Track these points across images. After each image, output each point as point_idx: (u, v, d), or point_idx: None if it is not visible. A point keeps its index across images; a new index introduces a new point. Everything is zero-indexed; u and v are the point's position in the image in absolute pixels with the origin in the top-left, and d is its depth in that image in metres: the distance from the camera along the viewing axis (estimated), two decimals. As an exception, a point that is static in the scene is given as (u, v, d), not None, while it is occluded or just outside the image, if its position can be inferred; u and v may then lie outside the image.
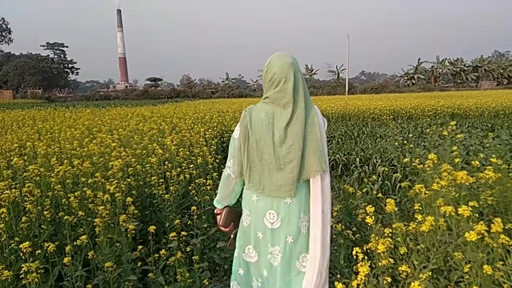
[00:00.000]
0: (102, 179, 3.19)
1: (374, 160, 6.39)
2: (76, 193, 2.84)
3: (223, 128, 7.51)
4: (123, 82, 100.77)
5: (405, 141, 8.26)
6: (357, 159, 6.53)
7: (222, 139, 6.90)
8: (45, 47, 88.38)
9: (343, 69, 73.08)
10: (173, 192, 3.49)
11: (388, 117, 14.29)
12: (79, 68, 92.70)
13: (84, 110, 13.18)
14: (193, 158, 4.34)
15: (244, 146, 1.89)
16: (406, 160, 4.59)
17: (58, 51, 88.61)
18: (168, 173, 3.78)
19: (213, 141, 5.51)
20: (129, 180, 3.46)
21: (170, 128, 5.77)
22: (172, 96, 56.01)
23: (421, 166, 3.74)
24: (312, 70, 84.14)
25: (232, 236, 2.17)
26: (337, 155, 6.91)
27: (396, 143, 7.29)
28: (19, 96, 62.03)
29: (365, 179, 5.71)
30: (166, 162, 4.00)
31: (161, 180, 3.64)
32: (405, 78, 72.52)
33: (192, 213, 3.20)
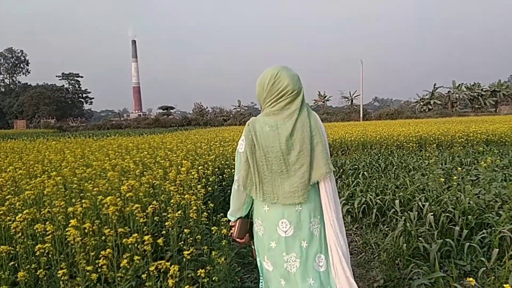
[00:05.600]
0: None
1: (419, 203, 4.88)
2: None
3: (224, 161, 6.01)
4: (136, 111, 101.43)
5: (448, 176, 6.78)
6: (396, 201, 5.01)
7: (222, 176, 5.43)
8: (60, 78, 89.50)
9: (357, 95, 72.05)
10: None
11: (414, 145, 12.82)
12: (93, 98, 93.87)
13: (78, 139, 11.96)
14: (166, 214, 2.89)
15: (252, 159, 1.90)
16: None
17: (73, 81, 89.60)
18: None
19: (201, 183, 4.07)
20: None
21: (140, 166, 4.29)
22: (183, 124, 55.19)
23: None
24: (325, 97, 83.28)
25: (252, 246, 2.19)
26: (369, 196, 5.41)
27: (442, 179, 5.75)
28: (33, 126, 62.26)
29: (412, 231, 4.24)
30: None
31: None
32: (421, 103, 70.85)
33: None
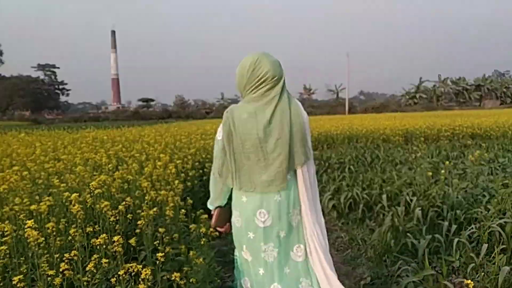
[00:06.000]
0: None
1: (407, 198, 4.77)
2: None
3: (205, 155, 5.80)
4: (115, 103, 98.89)
5: (436, 170, 6.71)
6: (383, 196, 4.89)
7: (202, 170, 5.22)
8: (35, 69, 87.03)
9: (343, 89, 72.18)
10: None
11: (400, 138, 12.80)
12: (70, 90, 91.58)
13: (52, 132, 11.58)
14: (141, 211, 2.69)
15: (229, 147, 1.86)
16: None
17: (49, 73, 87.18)
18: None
19: (180, 177, 3.88)
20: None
21: (114, 160, 4.03)
22: (164, 117, 54.17)
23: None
24: (310, 90, 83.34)
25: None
26: (355, 190, 5.28)
27: (430, 173, 5.66)
28: (6, 118, 60.05)
29: (400, 226, 4.12)
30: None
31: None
32: (407, 97, 71.40)
33: None
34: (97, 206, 2.39)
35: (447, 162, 6.52)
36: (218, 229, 2.17)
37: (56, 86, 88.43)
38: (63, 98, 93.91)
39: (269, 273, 1.97)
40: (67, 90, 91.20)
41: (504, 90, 69.75)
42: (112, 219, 2.36)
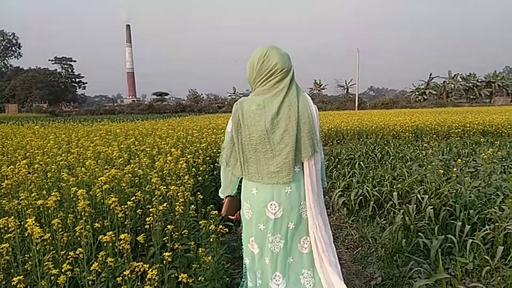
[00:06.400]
0: None
1: (418, 196, 4.69)
2: None
3: (216, 150, 5.74)
4: (130, 97, 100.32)
5: (447, 167, 6.60)
6: (394, 193, 4.81)
7: (213, 165, 5.17)
8: (53, 62, 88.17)
9: (353, 84, 71.74)
10: None
11: (410, 135, 12.66)
12: (86, 83, 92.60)
13: (67, 124, 11.62)
14: (151, 207, 2.64)
15: (237, 139, 1.89)
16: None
17: (66, 66, 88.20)
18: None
19: (191, 172, 3.83)
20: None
21: (126, 154, 4.00)
22: (177, 111, 54.45)
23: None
24: (320, 85, 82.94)
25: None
26: (366, 187, 5.20)
27: (442, 171, 5.56)
28: (25, 110, 61.09)
29: (411, 225, 4.04)
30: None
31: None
32: (416, 93, 70.65)
33: None
34: (106, 201, 2.34)
35: (458, 160, 6.38)
36: (230, 216, 2.20)
37: (73, 79, 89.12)
38: (79, 91, 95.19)
39: (273, 262, 1.99)
40: (84, 83, 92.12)
41: (515, 86, 68.73)
42: (120, 215, 2.31)
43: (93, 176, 3.03)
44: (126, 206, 2.53)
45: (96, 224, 2.22)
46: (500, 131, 13.30)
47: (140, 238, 2.15)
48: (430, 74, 70.91)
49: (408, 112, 28.57)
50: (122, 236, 1.91)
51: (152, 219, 2.36)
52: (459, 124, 13.81)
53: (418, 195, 4.70)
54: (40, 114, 47.92)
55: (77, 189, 2.26)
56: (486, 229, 3.60)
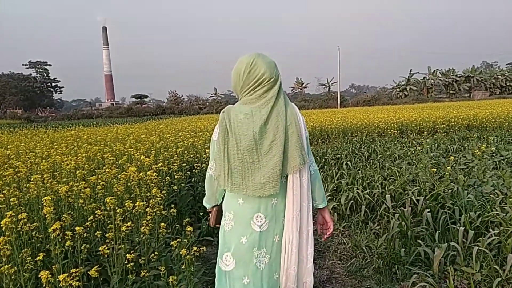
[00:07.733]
0: None
1: (412, 197, 4.37)
2: None
3: (193, 154, 5.28)
4: (109, 100, 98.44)
5: (437, 164, 6.32)
6: (387, 196, 4.48)
7: (191, 172, 4.73)
8: (27, 66, 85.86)
9: (334, 82, 71.83)
10: None
11: (396, 132, 12.46)
12: (62, 87, 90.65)
13: (32, 131, 10.99)
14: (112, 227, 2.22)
15: (224, 148, 1.81)
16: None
17: (41, 70, 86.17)
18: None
19: (165, 181, 3.41)
20: None
21: (94, 164, 3.49)
22: (157, 113, 53.61)
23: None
24: (302, 84, 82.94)
25: None
26: (356, 190, 4.86)
27: (434, 169, 5.26)
28: (-2, 117, 59.10)
29: (408, 231, 3.71)
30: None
31: None
32: (397, 90, 71.20)
33: None
34: (49, 228, 1.91)
35: (451, 157, 6.11)
36: (218, 226, 2.09)
37: (49, 84, 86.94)
38: (56, 96, 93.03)
39: (258, 280, 1.88)
40: (60, 87, 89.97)
41: (493, 81, 69.85)
42: (68, 243, 1.88)
43: (44, 193, 2.58)
44: (83, 227, 2.12)
45: (38, 257, 1.78)
46: (485, 125, 13.22)
47: (92, 272, 1.72)
48: (410, 70, 71.58)
49: (390, 108, 28.59)
50: (61, 278, 1.48)
51: (103, 248, 1.93)
52: (443, 119, 13.68)
53: (413, 197, 4.39)
54: (14, 121, 46.42)
55: (13, 213, 1.82)
56: (491, 234, 3.28)
